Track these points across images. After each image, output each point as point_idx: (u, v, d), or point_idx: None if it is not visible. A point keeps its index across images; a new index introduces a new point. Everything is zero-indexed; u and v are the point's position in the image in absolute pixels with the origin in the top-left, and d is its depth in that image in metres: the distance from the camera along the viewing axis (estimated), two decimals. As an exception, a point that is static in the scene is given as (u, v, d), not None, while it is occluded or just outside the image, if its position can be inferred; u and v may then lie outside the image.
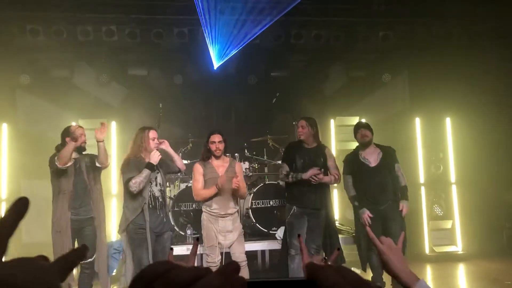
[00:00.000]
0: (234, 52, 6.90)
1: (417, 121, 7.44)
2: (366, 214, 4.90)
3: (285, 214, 4.97)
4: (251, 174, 6.13)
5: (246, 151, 6.32)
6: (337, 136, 7.47)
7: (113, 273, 5.25)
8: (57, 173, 4.47)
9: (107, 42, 6.74)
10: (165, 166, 4.59)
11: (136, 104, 7.04)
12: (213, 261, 4.49)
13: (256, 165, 6.32)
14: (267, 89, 7.38)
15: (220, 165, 4.63)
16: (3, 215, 0.52)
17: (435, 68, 7.28)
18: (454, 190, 7.39)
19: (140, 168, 4.26)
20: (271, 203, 5.85)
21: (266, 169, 6.53)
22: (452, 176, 7.41)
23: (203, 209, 4.66)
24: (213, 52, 6.98)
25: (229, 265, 0.43)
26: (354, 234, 5.44)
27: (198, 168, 4.62)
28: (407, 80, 7.74)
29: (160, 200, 4.44)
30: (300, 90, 7.43)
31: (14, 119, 6.77)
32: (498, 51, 6.93)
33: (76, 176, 4.51)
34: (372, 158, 4.97)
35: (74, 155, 4.53)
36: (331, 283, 0.43)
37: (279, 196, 5.80)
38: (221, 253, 4.56)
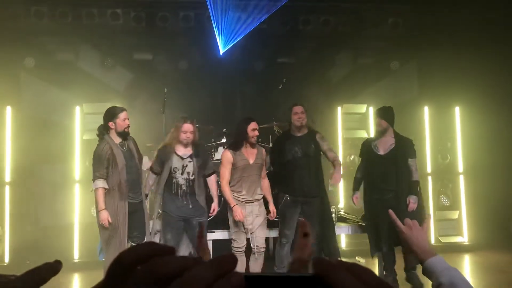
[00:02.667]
0: (240, 37, 6.81)
1: (426, 110, 7.34)
2: (355, 196, 4.99)
3: (278, 202, 4.90)
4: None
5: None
6: (343, 124, 7.38)
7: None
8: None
9: (112, 25, 6.67)
10: (203, 159, 4.68)
11: (141, 89, 6.99)
12: (239, 246, 4.62)
13: (262, 152, 6.26)
14: (274, 75, 7.29)
15: (250, 153, 4.68)
16: (38, 266, 0.48)
17: (444, 56, 7.16)
18: (461, 180, 7.31)
19: (165, 159, 4.49)
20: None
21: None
22: (460, 166, 7.33)
23: (232, 196, 4.72)
24: (219, 37, 6.89)
25: (224, 257, 0.37)
26: (359, 223, 5.38)
27: (228, 157, 4.65)
28: (415, 68, 7.62)
29: (184, 188, 4.52)
30: (307, 77, 7.33)
31: (19, 102, 6.72)
32: (510, 39, 6.79)
33: (129, 160, 4.46)
34: (382, 146, 4.89)
35: (120, 139, 4.46)
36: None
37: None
38: (247, 239, 4.68)
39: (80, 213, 6.52)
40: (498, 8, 6.86)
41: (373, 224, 4.90)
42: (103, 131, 4.47)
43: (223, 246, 4.95)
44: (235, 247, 4.63)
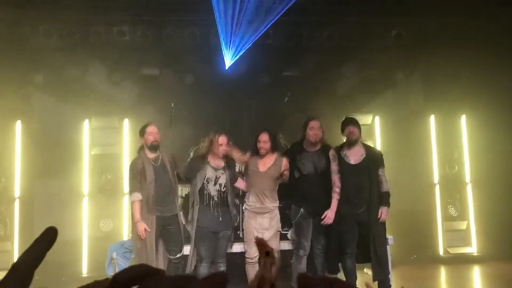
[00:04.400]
0: (246, 48, 6.88)
1: (432, 119, 7.34)
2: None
3: (292, 215, 4.88)
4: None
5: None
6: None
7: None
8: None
9: (119, 42, 6.77)
10: (233, 172, 4.79)
11: (148, 103, 7.06)
12: (251, 256, 4.66)
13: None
14: (279, 88, 7.35)
15: (263, 161, 4.72)
16: (32, 244, 0.48)
17: (449, 66, 7.18)
18: (469, 190, 7.27)
19: (198, 169, 4.61)
20: (282, 202, 5.79)
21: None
22: (467, 176, 7.30)
23: (245, 205, 4.84)
24: (225, 52, 6.96)
25: (217, 276, 0.39)
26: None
27: (247, 156, 4.84)
28: (420, 78, 7.64)
29: (216, 199, 4.61)
30: (312, 89, 7.37)
31: (28, 117, 6.82)
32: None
33: (160, 175, 4.64)
34: (353, 156, 4.75)
35: (152, 154, 4.68)
36: None
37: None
38: None
39: (89, 227, 6.56)
40: (502, 18, 6.89)
41: (336, 238, 4.80)
42: (140, 147, 4.78)
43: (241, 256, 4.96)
44: (248, 258, 4.69)
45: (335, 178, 4.72)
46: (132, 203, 4.59)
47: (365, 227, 4.69)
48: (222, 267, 4.68)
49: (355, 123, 4.81)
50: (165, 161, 4.71)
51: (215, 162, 4.68)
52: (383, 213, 4.63)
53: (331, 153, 4.78)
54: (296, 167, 4.79)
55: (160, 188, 4.61)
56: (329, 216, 4.64)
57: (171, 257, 4.74)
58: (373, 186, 4.68)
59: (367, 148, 4.84)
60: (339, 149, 4.86)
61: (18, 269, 0.45)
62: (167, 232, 4.70)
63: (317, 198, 4.72)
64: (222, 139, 4.65)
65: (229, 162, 4.75)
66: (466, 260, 6.86)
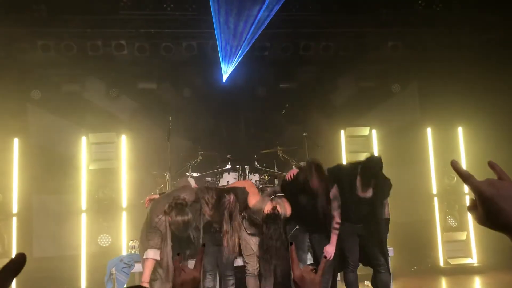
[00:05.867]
0: (243, 65, 6.92)
1: (429, 131, 7.36)
2: None
3: (287, 230, 4.82)
4: (261, 186, 6.08)
5: (256, 163, 6.28)
6: (347, 147, 7.40)
7: (124, 288, 5.22)
8: None
9: (116, 56, 6.81)
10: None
11: (145, 118, 7.08)
12: (252, 269, 4.69)
13: (266, 177, 6.28)
14: (277, 100, 7.37)
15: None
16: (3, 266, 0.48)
17: (445, 77, 7.23)
18: (467, 200, 7.24)
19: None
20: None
21: (276, 181, 6.47)
22: (466, 187, 7.27)
23: (244, 224, 4.76)
24: (222, 65, 7.00)
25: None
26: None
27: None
28: (417, 89, 7.68)
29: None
30: (309, 101, 7.41)
31: (26, 133, 6.82)
32: (509, 59, 6.85)
33: None
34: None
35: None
36: None
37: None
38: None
39: (87, 242, 6.52)
40: (497, 29, 6.95)
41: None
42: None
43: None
44: (248, 269, 4.71)
45: (335, 214, 4.63)
46: None
47: (365, 238, 4.67)
48: (232, 281, 4.67)
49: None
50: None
51: None
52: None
53: (333, 193, 4.63)
54: (294, 198, 4.68)
55: None
56: (329, 251, 4.59)
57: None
58: (375, 213, 4.61)
59: (377, 184, 4.61)
60: (354, 169, 4.67)
61: None
62: None
63: (312, 219, 4.69)
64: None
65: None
66: (467, 271, 6.83)
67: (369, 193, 4.58)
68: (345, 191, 4.67)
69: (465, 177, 0.93)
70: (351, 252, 4.72)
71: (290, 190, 4.75)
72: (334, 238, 4.60)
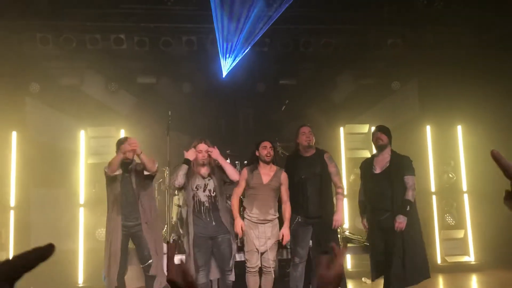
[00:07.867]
0: (243, 60, 6.90)
1: (428, 129, 7.36)
2: (363, 222, 4.93)
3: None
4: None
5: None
6: (346, 144, 7.40)
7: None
8: (109, 181, 4.80)
9: (116, 50, 6.77)
10: (219, 173, 4.74)
11: (144, 112, 7.05)
12: (252, 266, 4.67)
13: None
14: (276, 97, 7.36)
15: (266, 173, 4.75)
16: (30, 250, 0.47)
17: (445, 75, 7.21)
18: (466, 198, 7.27)
19: (188, 178, 4.66)
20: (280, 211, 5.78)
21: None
22: (464, 185, 7.30)
23: (244, 215, 4.79)
24: (222, 60, 6.98)
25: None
26: (365, 244, 5.34)
27: (243, 173, 4.82)
28: (416, 87, 7.67)
29: (206, 205, 4.63)
30: (309, 98, 7.40)
31: (24, 127, 6.79)
32: (510, 58, 6.84)
33: (124, 185, 4.80)
34: (379, 164, 4.82)
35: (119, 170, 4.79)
36: None
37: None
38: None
39: (85, 237, 6.51)
40: (498, 28, 6.94)
41: (372, 247, 4.87)
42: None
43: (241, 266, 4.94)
44: (248, 267, 4.69)
45: (336, 179, 4.79)
46: None
47: (389, 234, 4.65)
48: (230, 276, 4.65)
49: (384, 130, 4.90)
50: (130, 171, 4.91)
51: (202, 170, 4.69)
52: (397, 221, 4.55)
53: (326, 155, 4.87)
54: (293, 173, 4.84)
55: (127, 195, 4.83)
56: (337, 219, 4.66)
57: (142, 266, 4.94)
58: (396, 193, 4.64)
59: (395, 156, 4.81)
60: (371, 157, 5.00)
61: (7, 263, 0.44)
62: (135, 239, 4.94)
63: (314, 203, 4.73)
64: (201, 146, 4.69)
65: (213, 169, 4.73)
66: (464, 269, 6.84)
67: (385, 167, 4.75)
68: (363, 175, 4.96)
69: (505, 167, 0.94)
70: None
71: (288, 168, 4.94)
72: (340, 205, 4.78)
